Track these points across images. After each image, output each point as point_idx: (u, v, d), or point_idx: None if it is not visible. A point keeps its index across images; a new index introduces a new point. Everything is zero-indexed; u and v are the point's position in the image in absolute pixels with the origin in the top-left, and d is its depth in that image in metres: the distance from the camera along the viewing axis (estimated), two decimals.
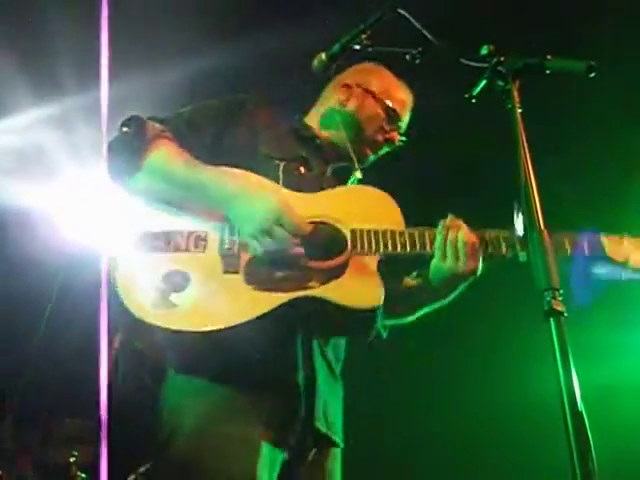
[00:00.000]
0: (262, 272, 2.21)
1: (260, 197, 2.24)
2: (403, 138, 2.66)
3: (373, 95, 2.64)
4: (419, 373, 4.87)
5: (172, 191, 2.28)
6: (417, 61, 2.14)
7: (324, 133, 2.64)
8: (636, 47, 4.30)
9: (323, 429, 2.30)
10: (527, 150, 1.83)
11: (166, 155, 2.30)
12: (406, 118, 2.69)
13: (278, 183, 2.36)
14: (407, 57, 2.16)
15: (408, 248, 2.28)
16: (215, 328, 2.11)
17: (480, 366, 4.81)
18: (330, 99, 2.70)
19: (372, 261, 2.27)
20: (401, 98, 2.68)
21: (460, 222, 2.32)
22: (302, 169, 2.46)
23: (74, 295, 4.43)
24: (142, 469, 4.13)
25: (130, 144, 2.30)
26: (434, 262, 2.32)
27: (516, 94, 1.91)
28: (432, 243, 2.30)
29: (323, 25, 3.23)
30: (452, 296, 2.41)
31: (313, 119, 2.70)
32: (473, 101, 2.02)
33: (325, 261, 2.24)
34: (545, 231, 1.76)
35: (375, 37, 2.23)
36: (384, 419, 4.80)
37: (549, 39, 3.73)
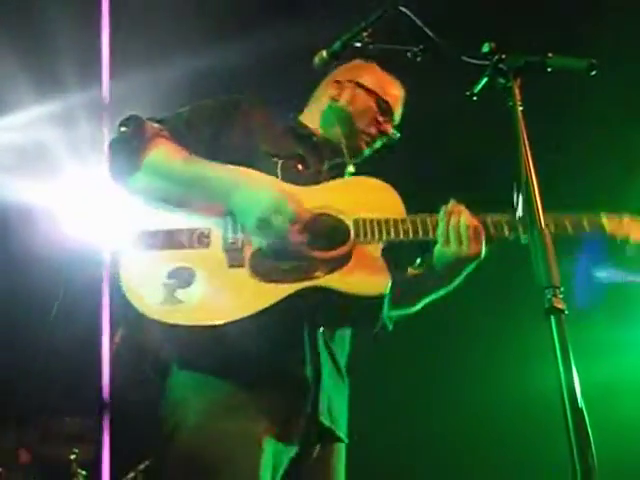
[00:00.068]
0: (267, 264, 2.21)
1: (260, 187, 2.25)
2: (397, 132, 2.65)
3: (364, 88, 2.63)
4: (419, 370, 4.88)
5: (172, 188, 2.28)
6: (418, 59, 2.13)
7: (319, 130, 2.64)
8: (637, 45, 4.30)
9: (327, 423, 2.30)
10: (528, 148, 1.83)
11: (165, 153, 2.31)
12: (399, 112, 2.68)
13: None
14: (408, 55, 2.15)
15: (411, 235, 2.28)
16: (222, 322, 2.11)
17: (481, 364, 4.81)
18: (322, 96, 2.69)
19: (376, 250, 2.28)
20: (393, 93, 2.67)
21: (462, 207, 2.31)
22: (300, 166, 2.46)
23: (75, 292, 4.44)
24: (142, 466, 4.14)
25: (129, 144, 2.30)
26: (438, 248, 2.31)
27: (517, 92, 1.91)
28: (435, 229, 2.29)
29: (323, 25, 3.22)
30: (456, 282, 2.39)
31: (307, 117, 2.70)
32: (474, 99, 2.02)
33: (329, 251, 2.24)
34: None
35: (376, 34, 2.23)
36: (384, 416, 4.80)
37: (550, 37, 3.73)
